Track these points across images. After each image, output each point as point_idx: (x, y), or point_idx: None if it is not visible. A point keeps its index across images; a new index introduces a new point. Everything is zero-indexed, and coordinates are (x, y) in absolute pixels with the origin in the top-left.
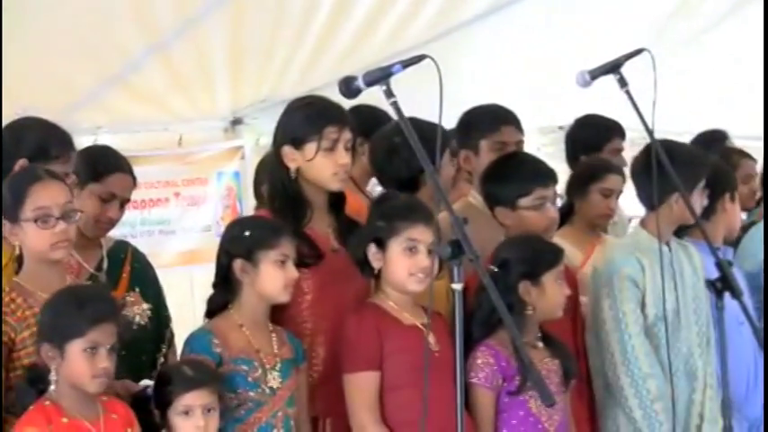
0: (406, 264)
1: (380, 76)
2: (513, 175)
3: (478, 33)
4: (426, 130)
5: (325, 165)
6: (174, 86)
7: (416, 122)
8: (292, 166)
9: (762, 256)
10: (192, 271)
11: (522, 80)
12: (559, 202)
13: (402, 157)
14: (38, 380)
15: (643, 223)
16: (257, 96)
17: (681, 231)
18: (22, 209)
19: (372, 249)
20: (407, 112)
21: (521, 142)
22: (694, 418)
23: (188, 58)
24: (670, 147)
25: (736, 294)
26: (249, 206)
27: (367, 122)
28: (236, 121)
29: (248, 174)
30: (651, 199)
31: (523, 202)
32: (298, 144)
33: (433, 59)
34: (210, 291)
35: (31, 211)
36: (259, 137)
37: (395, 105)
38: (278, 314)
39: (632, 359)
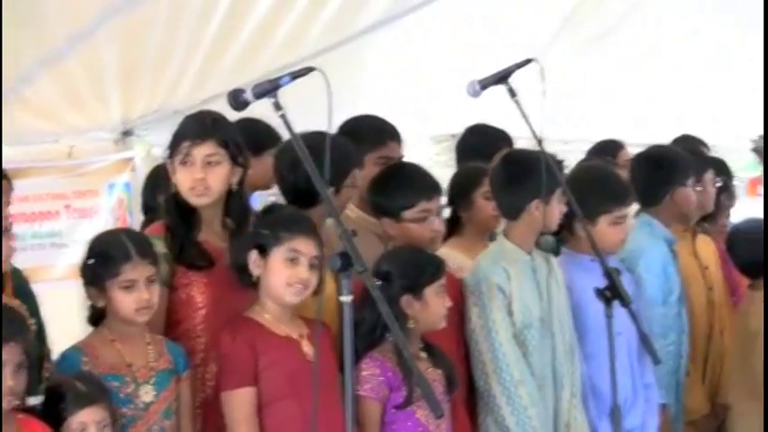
0: (285, 273)
1: (269, 89)
2: (399, 187)
3: (372, 43)
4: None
5: (182, 179)
6: (65, 98)
7: (322, 136)
8: (172, 178)
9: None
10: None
11: (415, 89)
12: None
13: (304, 169)
14: None
15: (506, 234)
16: (149, 108)
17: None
18: None
19: (254, 256)
20: (302, 123)
21: (402, 158)
22: (561, 427)
23: (79, 69)
24: (526, 155)
25: (625, 302)
26: (140, 218)
27: (257, 136)
28: (127, 133)
29: (139, 185)
30: (511, 209)
31: (408, 214)
32: (171, 157)
33: (321, 71)
34: None
35: None
36: (150, 148)
37: (284, 118)
38: (172, 329)
39: (503, 366)
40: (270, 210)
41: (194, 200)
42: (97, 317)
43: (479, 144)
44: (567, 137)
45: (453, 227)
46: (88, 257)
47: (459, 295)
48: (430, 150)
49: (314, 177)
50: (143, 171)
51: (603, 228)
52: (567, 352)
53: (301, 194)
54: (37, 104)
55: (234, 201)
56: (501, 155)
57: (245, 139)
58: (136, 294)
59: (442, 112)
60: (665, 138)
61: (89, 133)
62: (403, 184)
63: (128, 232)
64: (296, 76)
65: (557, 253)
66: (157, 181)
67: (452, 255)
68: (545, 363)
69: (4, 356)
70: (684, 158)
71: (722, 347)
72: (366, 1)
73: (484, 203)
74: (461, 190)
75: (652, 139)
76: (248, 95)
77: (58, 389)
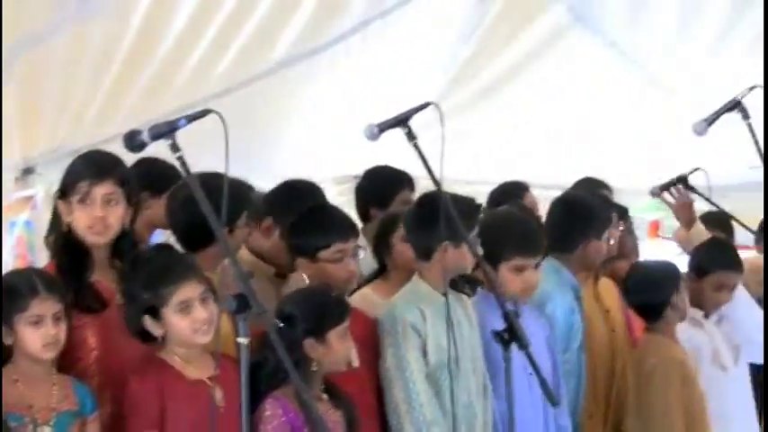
0: (185, 323)
1: (166, 131)
2: (315, 227)
3: (275, 83)
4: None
5: (80, 218)
6: None
7: (218, 178)
8: (64, 219)
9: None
10: None
11: (318, 130)
12: (362, 254)
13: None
14: None
15: (420, 274)
16: (50, 146)
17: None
18: None
19: (149, 321)
20: (204, 163)
21: None
22: None
23: None
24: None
25: (522, 345)
26: (41, 256)
27: (158, 176)
28: (28, 171)
29: (40, 223)
30: (423, 251)
31: (324, 254)
32: (64, 198)
33: (218, 114)
34: None
35: None
36: (51, 186)
37: (180, 160)
38: (65, 370)
39: (416, 406)
40: (136, 262)
41: (93, 238)
42: (4, 357)
43: (379, 187)
44: (470, 177)
45: (380, 272)
46: None
47: (372, 334)
48: (331, 191)
49: (209, 217)
50: (44, 209)
51: (504, 274)
52: (479, 392)
53: (195, 235)
54: None
55: (125, 240)
56: (418, 196)
57: (147, 179)
58: (43, 330)
59: (344, 153)
60: (568, 179)
61: None
62: (319, 224)
63: (37, 270)
64: (193, 118)
65: (470, 294)
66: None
67: (370, 296)
68: (458, 402)
69: None
70: (604, 212)
71: (625, 389)
72: (269, 42)
73: (402, 247)
74: (380, 235)
75: (554, 180)
76: (145, 137)
77: None
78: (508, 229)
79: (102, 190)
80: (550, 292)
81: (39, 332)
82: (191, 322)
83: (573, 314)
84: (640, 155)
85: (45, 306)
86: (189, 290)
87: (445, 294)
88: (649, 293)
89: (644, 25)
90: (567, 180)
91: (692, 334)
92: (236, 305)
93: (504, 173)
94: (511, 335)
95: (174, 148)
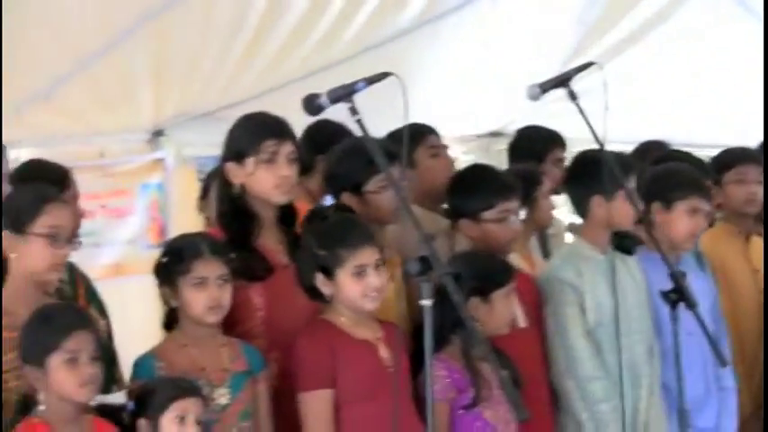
0: (357, 288)
1: (344, 94)
2: (478, 188)
3: (402, 48)
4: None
5: (265, 178)
6: (96, 100)
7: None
8: (236, 181)
9: None
10: (121, 283)
11: (446, 91)
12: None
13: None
14: (28, 408)
15: (580, 233)
16: (179, 109)
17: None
18: (34, 223)
19: (320, 279)
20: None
21: (446, 147)
22: (639, 426)
23: (110, 72)
24: (592, 154)
25: (690, 305)
26: (173, 218)
27: (328, 138)
28: (158, 133)
29: (171, 185)
30: (578, 206)
31: (487, 215)
32: (239, 159)
33: (397, 77)
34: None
35: (45, 228)
36: (180, 148)
37: (359, 123)
38: (228, 330)
39: (576, 361)
40: (314, 217)
41: (280, 198)
42: (171, 321)
43: (532, 146)
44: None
45: None
46: (162, 256)
47: (536, 294)
48: (457, 150)
49: (395, 189)
50: (174, 171)
51: (678, 216)
52: (645, 351)
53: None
54: (68, 107)
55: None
56: (575, 155)
57: (322, 141)
58: (206, 292)
59: (469, 112)
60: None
61: (120, 134)
62: (482, 184)
63: (202, 233)
64: (371, 81)
65: (629, 252)
66: None
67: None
68: (621, 360)
69: (75, 345)
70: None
71: None
72: (397, 6)
73: (544, 202)
74: (524, 190)
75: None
76: (323, 100)
77: (146, 389)
78: (684, 172)
79: (288, 148)
80: None
81: (202, 294)
82: (363, 287)
83: None
84: None
85: (208, 268)
86: (366, 255)
87: (626, 252)
88: None
89: None
90: (699, 138)
91: None
92: (420, 268)
93: (638, 131)
94: (679, 295)
95: (353, 111)
